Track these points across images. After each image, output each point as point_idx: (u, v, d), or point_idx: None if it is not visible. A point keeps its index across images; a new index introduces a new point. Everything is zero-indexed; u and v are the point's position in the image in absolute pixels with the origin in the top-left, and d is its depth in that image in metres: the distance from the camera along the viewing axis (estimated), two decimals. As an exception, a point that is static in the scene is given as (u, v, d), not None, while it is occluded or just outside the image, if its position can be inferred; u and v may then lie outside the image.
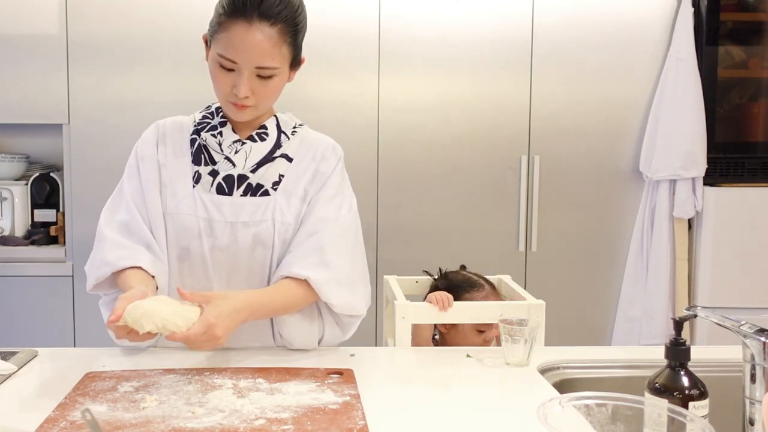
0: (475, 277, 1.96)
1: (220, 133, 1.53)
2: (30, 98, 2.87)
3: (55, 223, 3.00)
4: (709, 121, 2.93)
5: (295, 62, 1.49)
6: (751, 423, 1.16)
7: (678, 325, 1.20)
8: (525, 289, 1.85)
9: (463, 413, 1.22)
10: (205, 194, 1.50)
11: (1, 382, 1.33)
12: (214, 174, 1.51)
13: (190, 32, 2.75)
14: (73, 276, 2.88)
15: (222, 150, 1.52)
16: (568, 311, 2.97)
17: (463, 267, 2.06)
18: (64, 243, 2.94)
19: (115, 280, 1.47)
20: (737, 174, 3.02)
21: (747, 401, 1.17)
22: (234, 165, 1.51)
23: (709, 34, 2.95)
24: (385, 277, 1.95)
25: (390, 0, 2.89)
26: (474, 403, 1.27)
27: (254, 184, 1.51)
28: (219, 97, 1.49)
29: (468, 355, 1.53)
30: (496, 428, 1.18)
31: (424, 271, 2.03)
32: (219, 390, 1.27)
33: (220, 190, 1.50)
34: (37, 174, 3.00)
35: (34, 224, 3.01)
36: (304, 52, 1.51)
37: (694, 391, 1.15)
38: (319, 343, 1.56)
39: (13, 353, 1.44)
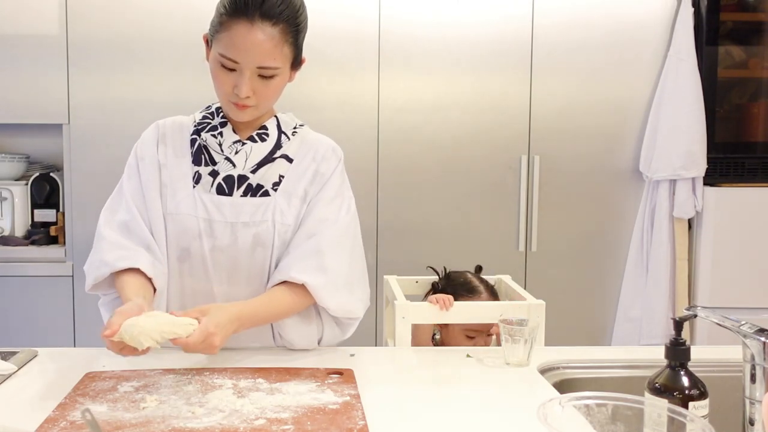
0: (476, 282, 1.95)
1: (221, 133, 1.53)
2: (30, 98, 2.87)
3: (55, 223, 3.00)
4: (709, 121, 2.93)
5: (296, 62, 1.49)
6: (751, 423, 1.16)
7: (678, 325, 1.20)
8: (525, 289, 1.84)
9: (463, 413, 1.22)
10: (206, 194, 1.50)
11: (1, 382, 1.33)
12: (214, 174, 1.51)
13: (190, 32, 2.75)
14: (73, 276, 2.88)
15: (222, 150, 1.52)
16: (568, 311, 2.97)
17: (478, 268, 2.02)
18: (64, 243, 2.94)
19: (114, 280, 1.47)
20: (737, 174, 3.02)
21: (747, 401, 1.17)
22: (234, 165, 1.51)
23: (709, 34, 2.95)
24: (385, 277, 1.95)
25: (390, 0, 2.89)
26: (474, 403, 1.27)
27: (254, 185, 1.51)
28: (220, 97, 1.49)
29: (468, 355, 1.53)
30: (496, 428, 1.18)
31: (429, 267, 2.02)
32: (219, 390, 1.27)
33: (220, 191, 1.50)
34: (37, 174, 3.00)
35: (34, 224, 3.01)
36: (305, 53, 1.50)
37: (694, 391, 1.15)
38: (319, 343, 1.56)
39: (13, 353, 1.44)
